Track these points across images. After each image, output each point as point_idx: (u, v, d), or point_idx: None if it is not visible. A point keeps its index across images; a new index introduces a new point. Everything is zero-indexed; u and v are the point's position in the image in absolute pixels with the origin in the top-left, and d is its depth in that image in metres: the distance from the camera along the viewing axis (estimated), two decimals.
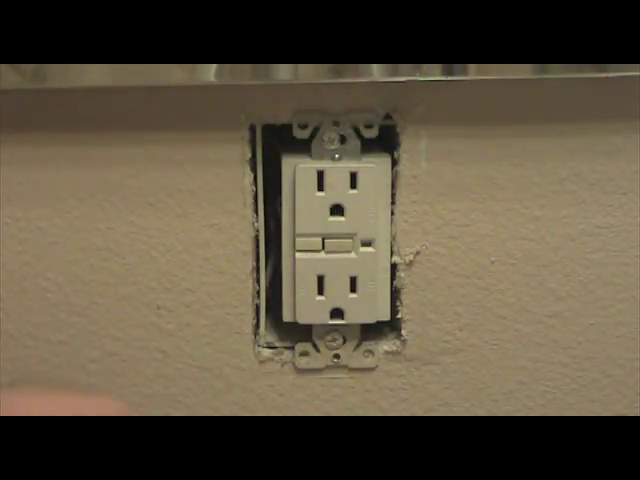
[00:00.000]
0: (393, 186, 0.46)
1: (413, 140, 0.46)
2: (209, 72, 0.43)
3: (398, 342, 0.48)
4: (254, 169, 0.46)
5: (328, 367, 0.48)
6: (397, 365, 0.48)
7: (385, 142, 0.47)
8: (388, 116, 0.46)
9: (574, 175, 0.46)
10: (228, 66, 0.43)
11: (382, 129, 0.46)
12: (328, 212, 0.46)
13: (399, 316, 0.48)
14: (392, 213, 0.47)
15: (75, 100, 0.45)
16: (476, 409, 0.49)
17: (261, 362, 0.48)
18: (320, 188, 0.46)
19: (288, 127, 0.46)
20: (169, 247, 0.47)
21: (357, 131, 0.46)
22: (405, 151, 0.46)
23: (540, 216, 0.47)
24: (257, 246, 0.47)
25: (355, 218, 0.46)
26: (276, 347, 0.49)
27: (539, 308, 0.48)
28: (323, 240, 0.46)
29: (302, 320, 0.47)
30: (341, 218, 0.46)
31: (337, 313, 0.47)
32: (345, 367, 0.48)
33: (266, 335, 0.48)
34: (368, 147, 0.46)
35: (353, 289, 0.47)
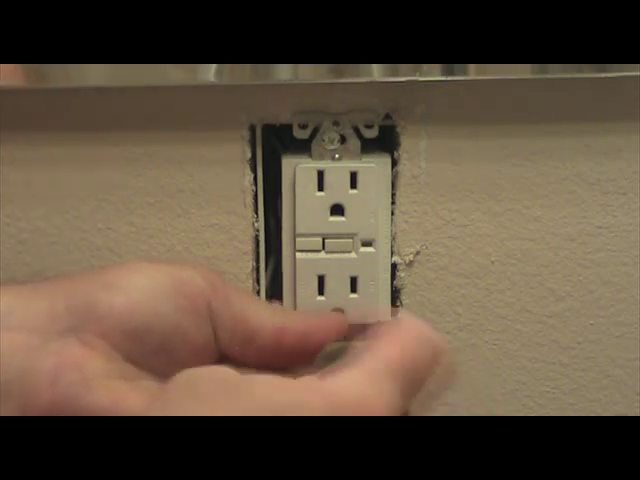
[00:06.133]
0: (393, 186, 0.46)
1: (413, 140, 0.46)
2: (209, 72, 0.43)
3: None
4: (254, 169, 0.46)
5: None
6: None
7: (385, 142, 0.47)
8: (388, 116, 0.46)
9: (574, 175, 0.46)
10: (228, 66, 0.43)
11: (382, 129, 0.46)
12: (328, 212, 0.46)
13: None
14: (392, 213, 0.47)
15: (75, 100, 0.45)
16: (476, 409, 0.49)
17: None
18: (320, 188, 0.46)
19: (288, 127, 0.46)
20: (169, 247, 0.47)
21: (357, 131, 0.46)
22: (405, 151, 0.46)
23: (540, 216, 0.47)
24: (257, 246, 0.47)
25: (355, 218, 0.46)
26: None
27: (539, 308, 0.48)
28: (323, 240, 0.46)
29: None
30: (341, 218, 0.46)
31: None
32: None
33: None
34: (368, 147, 0.46)
35: (354, 289, 0.47)
